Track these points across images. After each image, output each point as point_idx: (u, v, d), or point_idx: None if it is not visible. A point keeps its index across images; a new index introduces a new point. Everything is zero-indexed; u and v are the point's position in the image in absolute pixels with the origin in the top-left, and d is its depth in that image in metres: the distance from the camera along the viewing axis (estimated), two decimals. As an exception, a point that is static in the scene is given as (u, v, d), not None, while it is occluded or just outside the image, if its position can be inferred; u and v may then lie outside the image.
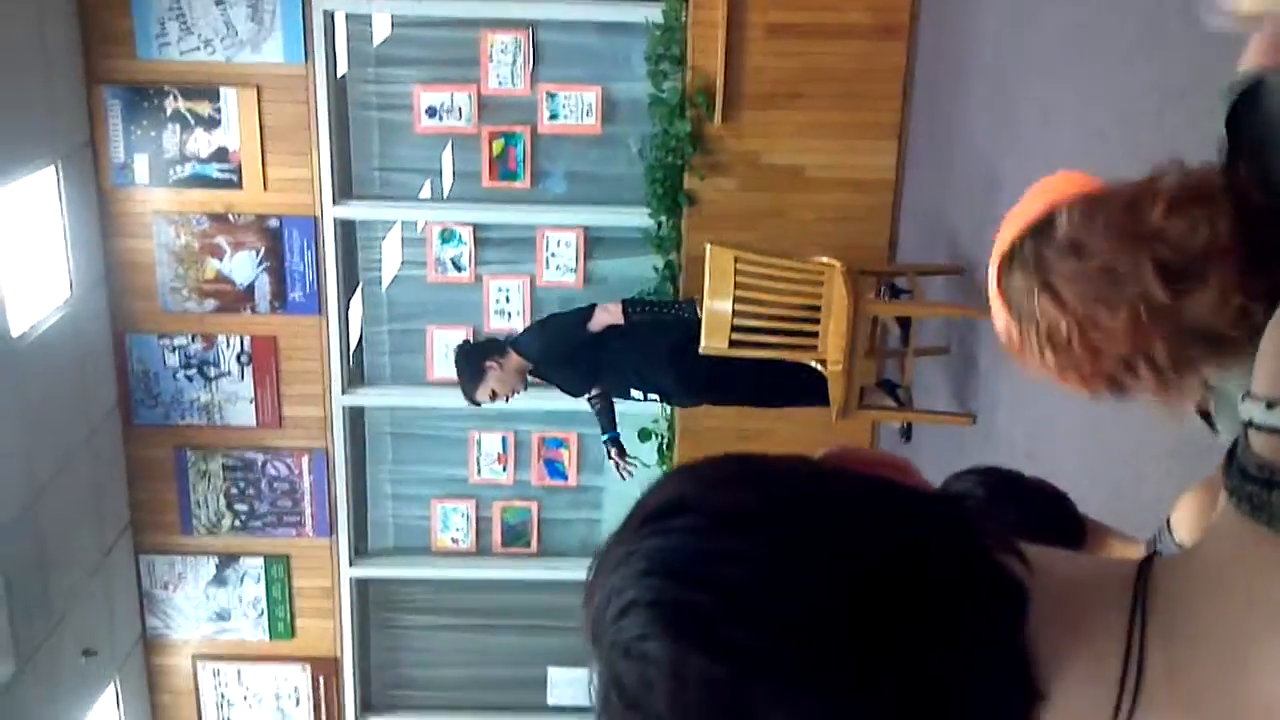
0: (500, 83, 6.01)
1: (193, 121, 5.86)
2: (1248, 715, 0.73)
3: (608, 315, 4.95)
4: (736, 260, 4.94)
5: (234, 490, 6.55)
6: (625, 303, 5.02)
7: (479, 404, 5.06)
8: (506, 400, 5.06)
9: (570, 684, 7.20)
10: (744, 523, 0.74)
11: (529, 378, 5.10)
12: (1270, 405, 0.75)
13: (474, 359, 4.97)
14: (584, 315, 5.01)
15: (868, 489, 0.78)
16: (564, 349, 4.99)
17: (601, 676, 0.74)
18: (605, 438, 5.29)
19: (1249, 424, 0.78)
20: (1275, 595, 0.73)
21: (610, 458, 5.31)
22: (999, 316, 1.59)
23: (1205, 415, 1.71)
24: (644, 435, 6.30)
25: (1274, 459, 0.75)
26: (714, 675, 0.70)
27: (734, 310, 4.92)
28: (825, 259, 4.87)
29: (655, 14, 5.70)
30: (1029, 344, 1.54)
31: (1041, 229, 1.51)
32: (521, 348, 4.94)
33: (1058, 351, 1.51)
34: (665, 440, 6.29)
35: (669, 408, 6.12)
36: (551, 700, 7.24)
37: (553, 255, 6.29)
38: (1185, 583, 0.77)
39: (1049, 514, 2.09)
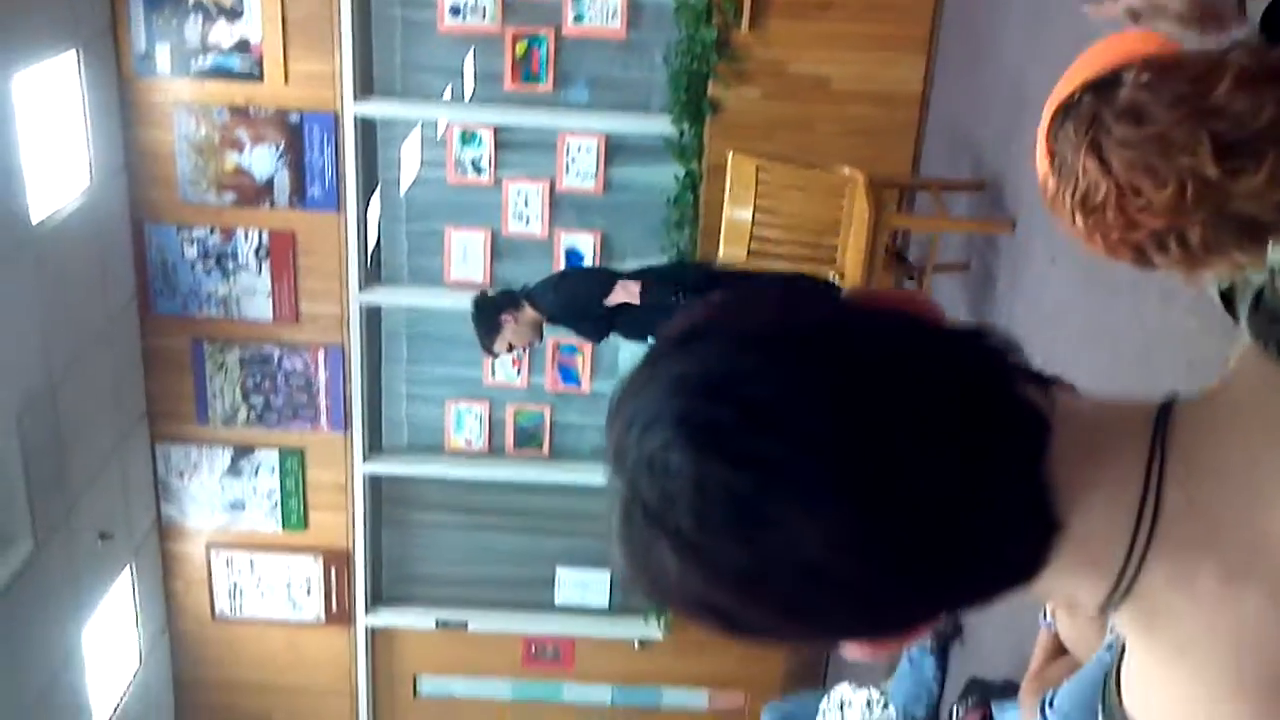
0: (526, -19, 5.93)
1: (215, 11, 5.80)
2: (1267, 550, 0.74)
3: (625, 294, 4.84)
4: (758, 169, 4.91)
5: (250, 383, 6.60)
6: (643, 284, 4.80)
7: (496, 355, 5.03)
8: (524, 351, 5.04)
9: (578, 584, 7.31)
10: (767, 343, 0.74)
11: (545, 328, 5.03)
12: None
13: (489, 312, 4.87)
14: (603, 286, 4.82)
15: (894, 319, 0.78)
16: (578, 310, 4.95)
17: (622, 495, 0.74)
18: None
19: (1275, 270, 0.78)
20: None
21: None
22: (1041, 164, 1.57)
23: (1228, 302, 1.71)
24: None
25: None
26: (735, 486, 0.70)
27: (754, 219, 4.91)
28: (848, 170, 4.85)
29: (685, -82, 5.60)
30: (1062, 201, 1.53)
31: (1104, 86, 1.49)
32: (537, 300, 4.85)
33: (1089, 214, 1.49)
34: None
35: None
36: (559, 600, 7.36)
37: (573, 161, 6.25)
38: (1207, 421, 0.78)
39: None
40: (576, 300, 4.88)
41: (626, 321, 4.77)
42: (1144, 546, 0.76)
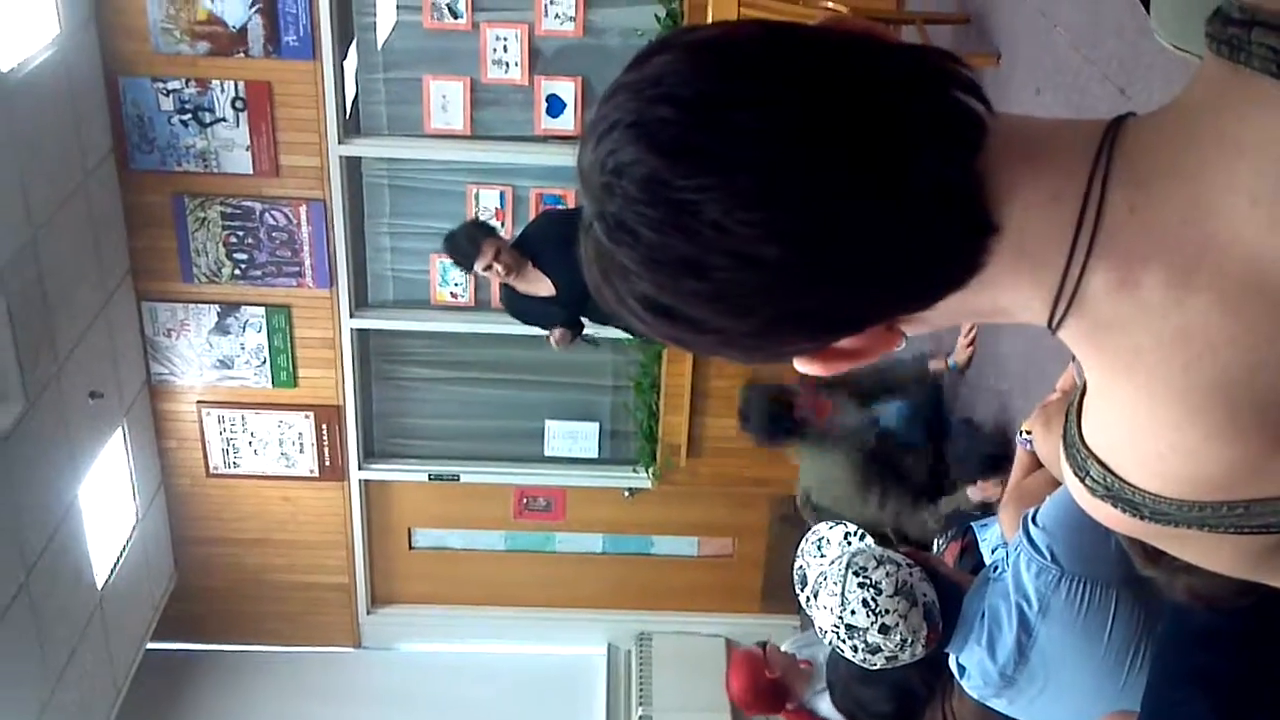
0: None
1: None
2: (1214, 254, 0.73)
3: None
4: (740, 5, 4.81)
5: (233, 239, 6.56)
6: None
7: (486, 269, 4.99)
8: (507, 273, 4.98)
9: (567, 436, 7.38)
10: (712, 50, 0.77)
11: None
12: None
13: (463, 245, 4.98)
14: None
15: (842, 35, 0.79)
16: (562, 242, 4.95)
17: (588, 213, 0.79)
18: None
19: None
20: (1246, 129, 0.73)
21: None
22: None
23: (1145, 4, 1.70)
24: None
25: (1257, 2, 0.74)
26: (674, 177, 0.73)
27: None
28: (831, 3, 4.75)
29: None
30: None
31: None
32: (521, 241, 5.00)
33: None
34: None
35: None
36: (549, 451, 7.44)
37: (552, 3, 6.11)
38: (1158, 129, 0.77)
39: None
40: (560, 235, 4.90)
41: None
42: (1085, 252, 0.75)
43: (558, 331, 5.20)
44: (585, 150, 0.78)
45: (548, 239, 5.06)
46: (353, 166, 6.57)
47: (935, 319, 0.84)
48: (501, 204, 6.66)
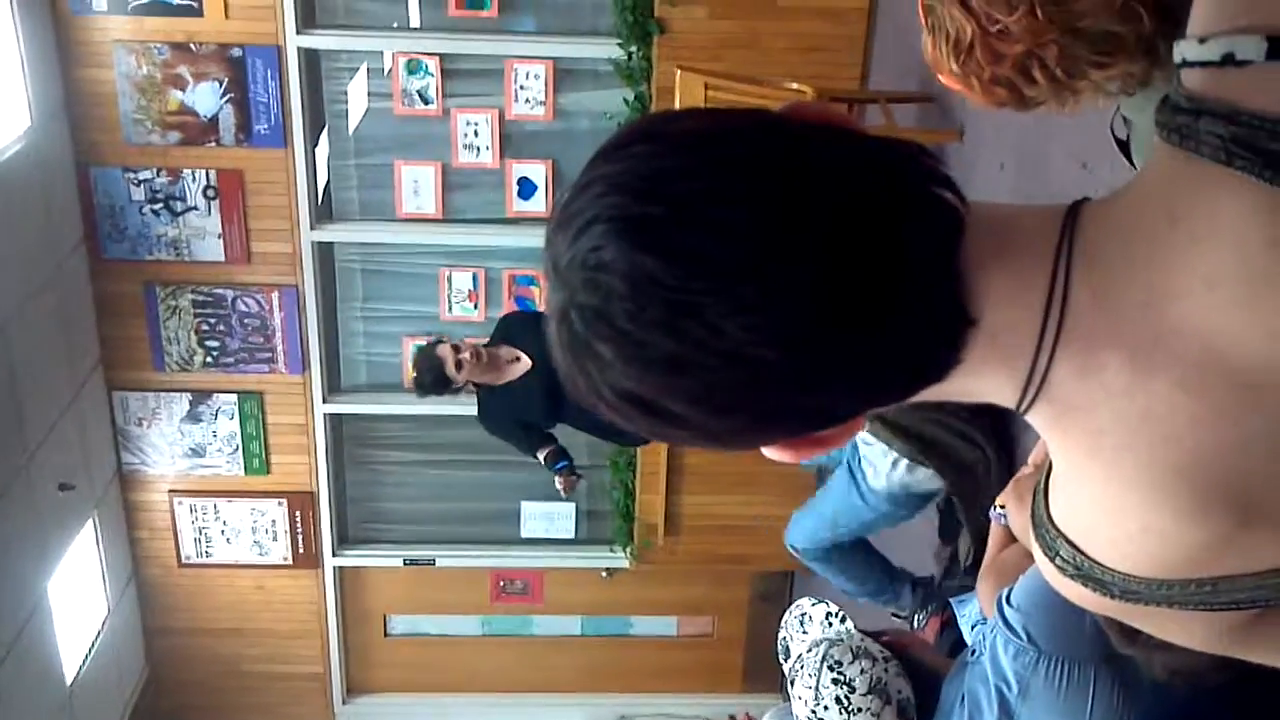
0: (466, -97, 5.84)
1: (150, -56, 5.69)
2: (1172, 337, 0.75)
3: None
4: (707, 88, 4.89)
5: (205, 326, 6.54)
6: None
7: (458, 367, 4.73)
8: (476, 358, 4.73)
9: (543, 516, 7.34)
10: (697, 144, 0.76)
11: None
12: (1202, 40, 0.77)
13: (426, 367, 4.79)
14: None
15: (819, 126, 0.80)
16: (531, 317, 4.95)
17: (560, 303, 0.77)
18: (558, 466, 5.02)
19: (1182, 64, 0.79)
20: (1199, 214, 0.75)
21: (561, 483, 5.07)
22: (923, 29, 1.69)
23: (1123, 146, 1.80)
24: None
25: (1204, 91, 0.77)
26: (664, 276, 0.72)
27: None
28: (796, 85, 4.83)
29: None
30: (939, 53, 1.65)
31: None
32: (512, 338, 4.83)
33: (961, 58, 1.61)
34: None
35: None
36: (525, 533, 7.39)
37: (522, 88, 6.19)
38: (1114, 215, 0.79)
39: None
40: (531, 316, 4.97)
41: None
42: (1053, 340, 0.77)
43: (560, 480, 5.05)
44: (559, 242, 0.77)
45: (515, 320, 5.07)
46: (325, 252, 6.58)
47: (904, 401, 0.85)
48: (474, 286, 6.68)
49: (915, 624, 4.34)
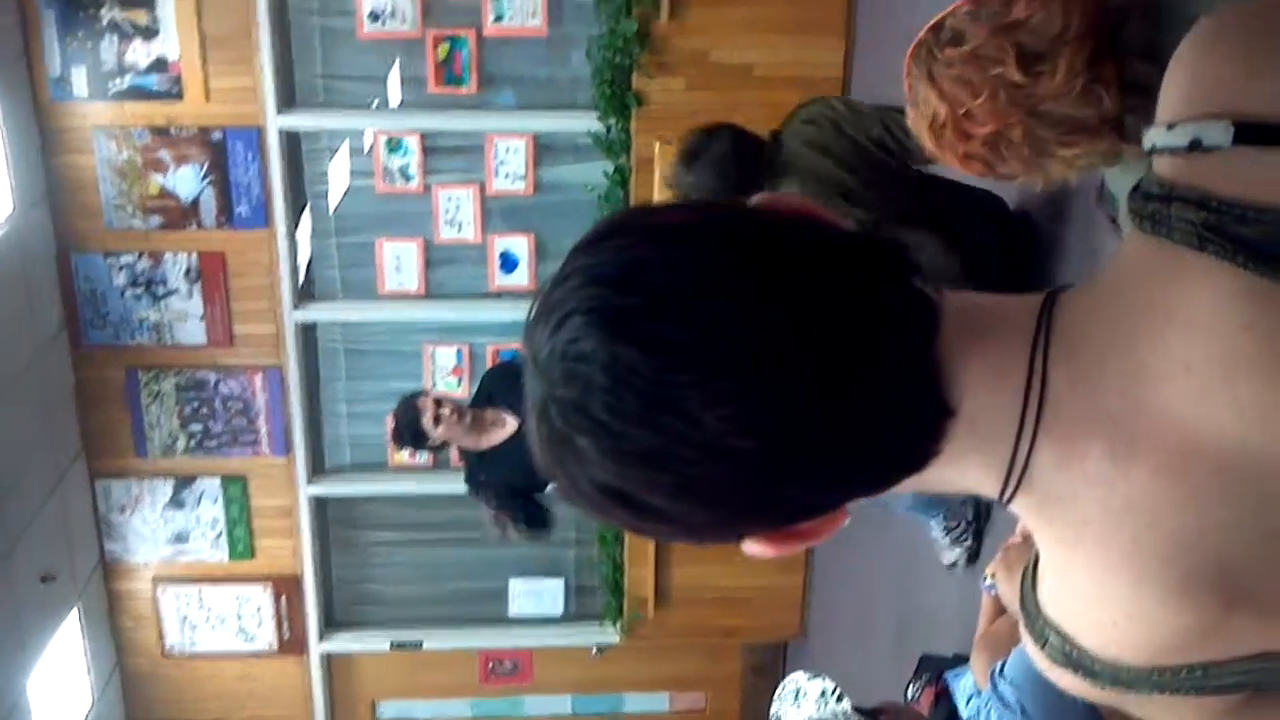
0: (443, -18, 5.92)
1: (130, 31, 5.73)
2: (1150, 424, 0.75)
3: None
4: (686, 157, 4.93)
5: (187, 411, 6.49)
6: None
7: (435, 422, 4.54)
8: (455, 415, 4.54)
9: (531, 594, 7.26)
10: (674, 236, 0.77)
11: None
12: (1170, 127, 0.79)
13: (404, 418, 4.60)
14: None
15: (796, 219, 0.81)
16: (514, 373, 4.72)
17: (539, 396, 0.77)
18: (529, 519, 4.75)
19: (1152, 150, 0.81)
20: (1174, 300, 0.75)
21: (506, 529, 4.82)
22: (908, 105, 1.77)
23: (1114, 222, 1.85)
24: None
25: (1174, 177, 0.78)
26: (643, 369, 0.73)
27: (686, 206, 4.93)
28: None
29: (598, -92, 5.64)
30: (919, 129, 1.73)
31: (938, 25, 1.70)
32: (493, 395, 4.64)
33: (936, 135, 1.69)
34: None
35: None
36: (513, 611, 7.29)
37: (502, 163, 6.24)
38: (1090, 302, 0.80)
39: None
40: (514, 372, 4.69)
41: None
42: (1033, 429, 0.77)
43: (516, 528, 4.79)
44: (538, 335, 0.77)
45: (497, 376, 4.92)
46: (308, 332, 6.57)
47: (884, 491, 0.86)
48: (459, 361, 6.67)
49: (909, 696, 4.28)
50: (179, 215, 6.09)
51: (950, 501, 4.14)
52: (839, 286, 0.76)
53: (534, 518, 4.76)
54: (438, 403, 4.54)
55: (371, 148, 6.26)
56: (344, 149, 6.36)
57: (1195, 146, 0.77)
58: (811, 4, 5.77)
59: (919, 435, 0.78)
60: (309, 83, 6.15)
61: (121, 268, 6.16)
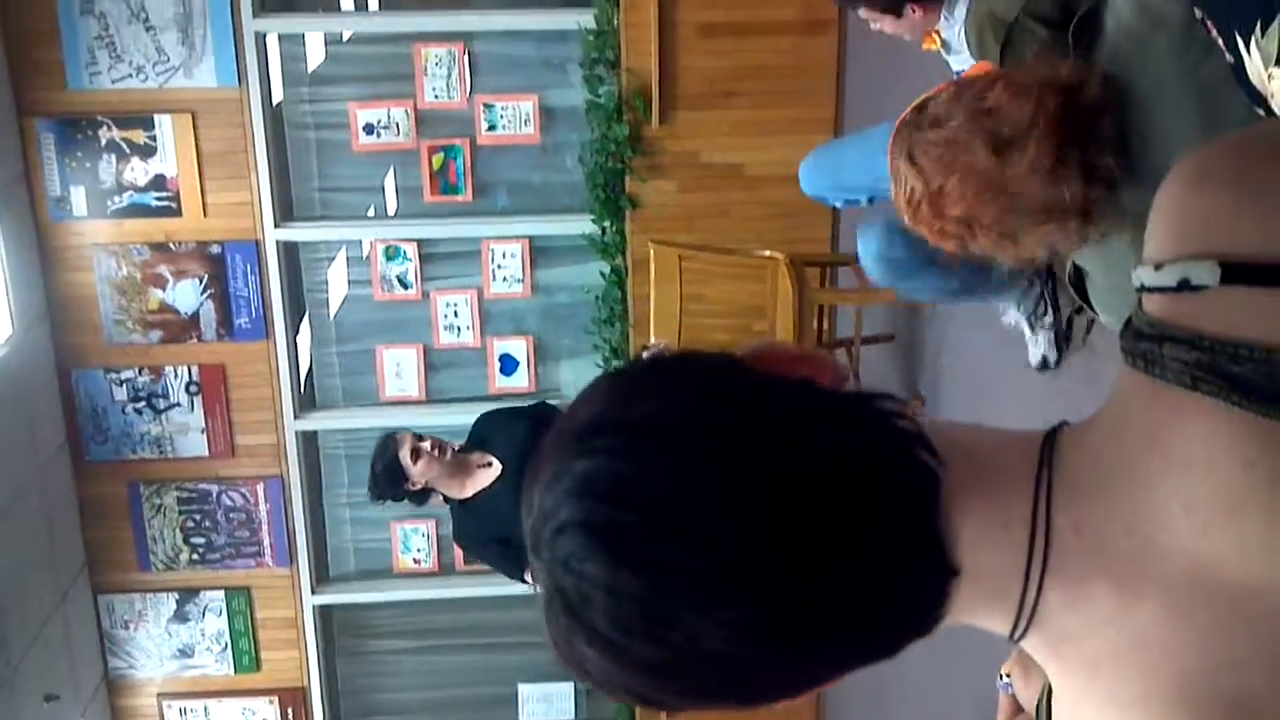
0: (436, 96, 6.00)
1: (128, 150, 5.81)
2: (1155, 561, 0.75)
3: None
4: (681, 259, 4.96)
5: (190, 523, 6.47)
6: None
7: (414, 457, 4.20)
8: (436, 450, 4.20)
9: (541, 699, 7.15)
10: (661, 435, 0.77)
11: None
12: (1158, 267, 0.79)
13: (380, 464, 4.27)
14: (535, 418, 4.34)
15: (783, 393, 0.80)
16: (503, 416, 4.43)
17: (546, 584, 0.79)
18: None
19: (1141, 288, 0.81)
20: (1172, 439, 0.76)
21: None
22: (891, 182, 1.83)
23: (1082, 295, 1.88)
24: None
25: (1164, 317, 0.78)
26: (642, 590, 0.73)
27: (681, 310, 4.94)
28: (769, 252, 4.90)
29: (587, 19, 5.72)
30: (898, 204, 1.79)
31: (923, 105, 1.79)
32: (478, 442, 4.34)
33: (914, 210, 1.76)
34: None
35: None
36: (524, 717, 7.18)
37: (499, 267, 6.27)
38: (1089, 443, 0.80)
39: None
40: (504, 416, 4.50)
41: None
42: (1039, 575, 0.78)
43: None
44: (535, 523, 0.78)
45: (489, 420, 4.54)
46: (309, 441, 6.56)
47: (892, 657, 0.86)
48: (460, 466, 6.63)
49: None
50: (179, 329, 6.12)
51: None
52: (839, 469, 0.76)
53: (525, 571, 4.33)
54: (418, 437, 4.23)
55: (369, 256, 6.31)
56: (342, 258, 6.41)
57: (1184, 286, 0.77)
58: (799, 103, 5.83)
59: (926, 602, 0.79)
60: (306, 195, 6.22)
61: (122, 383, 6.18)
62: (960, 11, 2.90)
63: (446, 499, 4.34)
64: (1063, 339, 3.59)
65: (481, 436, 4.38)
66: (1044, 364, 3.58)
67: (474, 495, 4.29)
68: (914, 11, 2.96)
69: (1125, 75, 1.72)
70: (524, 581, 4.34)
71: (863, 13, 3.05)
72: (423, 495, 4.32)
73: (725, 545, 0.73)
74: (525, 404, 4.86)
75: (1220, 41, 1.52)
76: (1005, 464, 0.80)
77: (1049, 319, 3.62)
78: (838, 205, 4.04)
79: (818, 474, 0.75)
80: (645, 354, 4.46)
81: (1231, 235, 0.76)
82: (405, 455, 4.14)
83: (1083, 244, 1.81)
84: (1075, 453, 0.79)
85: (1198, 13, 1.56)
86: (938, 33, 3.05)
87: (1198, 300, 0.76)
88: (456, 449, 4.26)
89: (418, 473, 4.17)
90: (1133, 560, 0.76)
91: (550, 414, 4.34)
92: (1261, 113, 1.53)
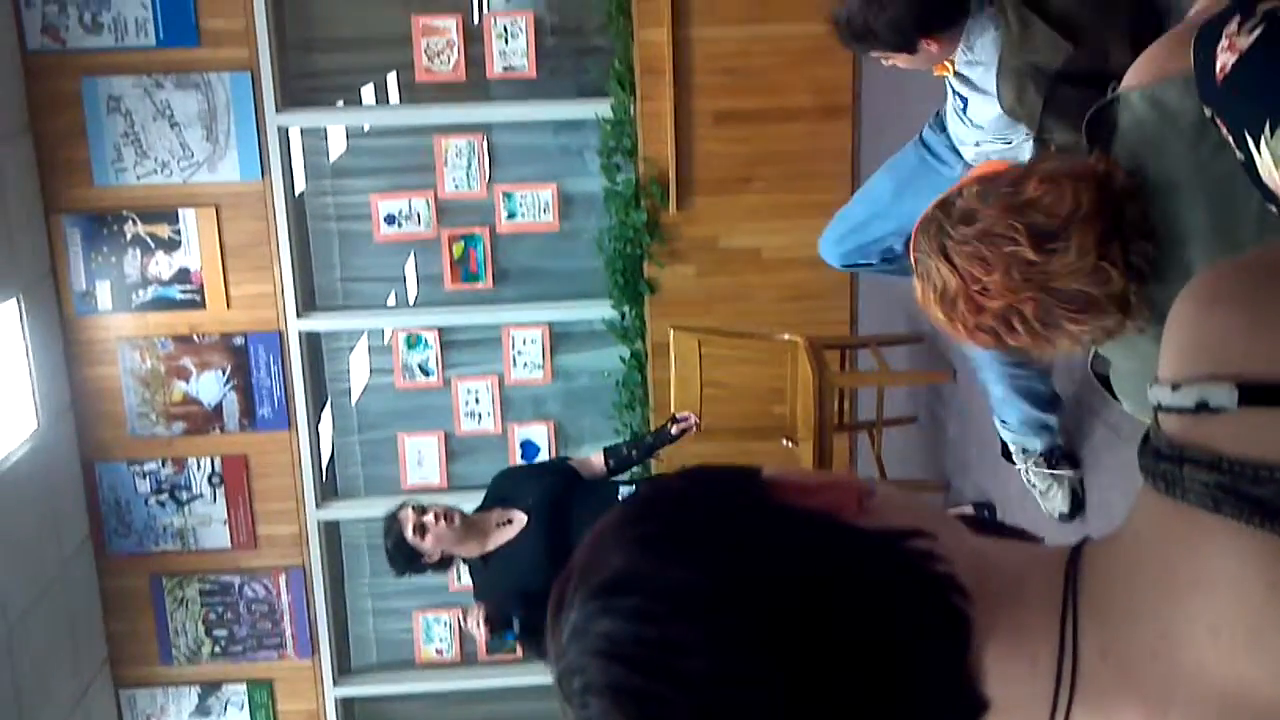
0: (457, 186, 6.07)
1: (153, 245, 5.89)
2: (1183, 683, 0.75)
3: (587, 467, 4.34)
4: (700, 344, 4.97)
5: (212, 615, 6.44)
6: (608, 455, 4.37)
7: (419, 533, 4.01)
8: (440, 520, 4.02)
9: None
10: (690, 605, 0.76)
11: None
12: (1175, 388, 0.79)
13: (388, 535, 4.11)
14: (556, 473, 4.29)
15: (813, 547, 0.80)
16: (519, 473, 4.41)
17: None
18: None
19: (1158, 407, 0.81)
20: (1195, 561, 0.75)
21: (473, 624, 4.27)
22: (914, 276, 1.83)
23: (1104, 382, 1.87)
24: None
25: (1183, 438, 0.78)
26: None
27: (702, 394, 4.94)
28: (788, 336, 4.91)
29: (604, 109, 5.80)
30: (927, 300, 1.79)
31: (946, 202, 1.77)
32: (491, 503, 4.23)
33: (948, 307, 1.75)
34: None
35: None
36: (549, 810, 7.06)
37: (519, 353, 6.29)
38: (1112, 565, 0.80)
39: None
40: (520, 472, 4.42)
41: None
42: (1067, 702, 0.78)
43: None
44: (561, 674, 0.78)
45: (508, 476, 4.42)
46: (331, 530, 6.55)
47: None
48: (483, 554, 6.60)
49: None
50: (202, 420, 6.15)
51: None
52: (872, 627, 0.76)
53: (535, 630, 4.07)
54: (419, 510, 4.03)
55: (391, 344, 6.34)
56: (363, 346, 6.45)
57: (1202, 408, 0.77)
58: (814, 187, 5.86)
59: None
60: (328, 285, 6.28)
61: (145, 475, 6.20)
62: (986, 52, 2.86)
63: (467, 562, 4.20)
64: (1079, 500, 3.68)
65: (501, 495, 4.24)
66: (1063, 519, 3.69)
67: (494, 550, 4.12)
68: (929, 45, 2.88)
69: (1141, 170, 1.73)
70: (537, 645, 4.07)
71: (874, 53, 2.99)
72: (444, 564, 4.17)
73: (756, 712, 0.74)
74: (544, 460, 4.81)
75: (1231, 140, 1.52)
76: (1030, 593, 0.81)
77: (1063, 472, 3.68)
78: (874, 262, 4.02)
79: (852, 640, 0.76)
80: (673, 428, 4.46)
81: (1247, 356, 0.77)
82: (410, 535, 4.00)
83: (1114, 338, 1.81)
84: (1099, 574, 0.80)
85: (1208, 111, 1.57)
86: (952, 63, 3.02)
87: (1216, 422, 0.76)
88: (464, 514, 4.10)
89: (429, 547, 4.02)
90: (1160, 683, 0.76)
91: (572, 473, 4.26)
92: (1275, 209, 1.53)
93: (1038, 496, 3.76)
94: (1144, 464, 0.80)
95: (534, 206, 6.08)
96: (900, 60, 2.98)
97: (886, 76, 5.35)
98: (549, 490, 4.12)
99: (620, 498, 4.06)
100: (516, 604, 4.08)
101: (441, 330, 6.30)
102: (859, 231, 4.00)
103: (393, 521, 4.08)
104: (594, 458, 4.39)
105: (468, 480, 6.51)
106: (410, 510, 4.03)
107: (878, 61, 3.03)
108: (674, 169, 5.77)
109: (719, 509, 0.81)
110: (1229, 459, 0.75)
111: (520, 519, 4.10)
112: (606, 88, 5.82)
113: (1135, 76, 1.77)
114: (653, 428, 5.88)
